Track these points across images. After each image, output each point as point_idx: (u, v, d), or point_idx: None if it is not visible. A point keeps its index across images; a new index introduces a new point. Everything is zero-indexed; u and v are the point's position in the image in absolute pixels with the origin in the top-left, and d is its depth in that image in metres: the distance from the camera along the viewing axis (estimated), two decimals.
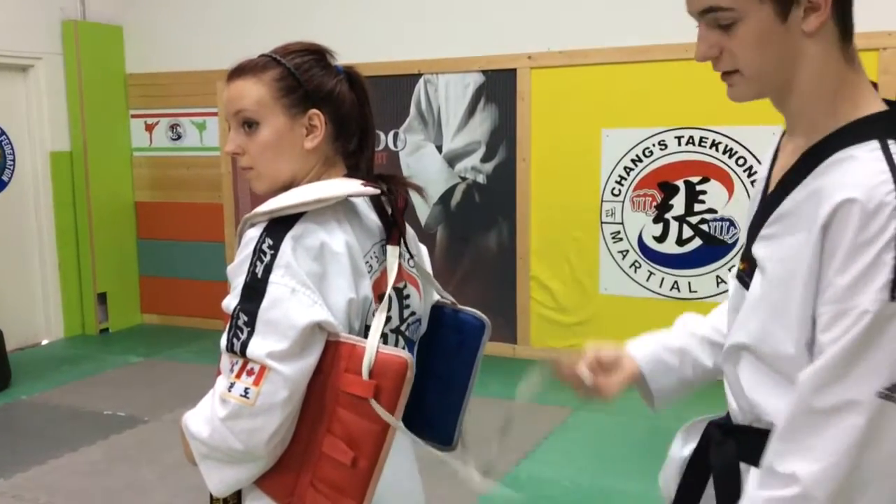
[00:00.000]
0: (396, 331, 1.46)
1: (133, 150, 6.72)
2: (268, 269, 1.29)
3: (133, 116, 6.67)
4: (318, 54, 1.45)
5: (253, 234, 1.34)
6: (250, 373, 1.28)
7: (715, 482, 1.31)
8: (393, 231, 1.45)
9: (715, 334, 1.48)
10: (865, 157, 1.08)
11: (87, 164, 6.34)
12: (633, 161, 5.17)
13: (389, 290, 1.41)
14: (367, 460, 1.29)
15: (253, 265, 1.31)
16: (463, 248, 5.72)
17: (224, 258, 6.40)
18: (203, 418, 1.34)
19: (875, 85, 1.20)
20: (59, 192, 6.30)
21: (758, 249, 1.20)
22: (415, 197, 1.56)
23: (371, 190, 1.39)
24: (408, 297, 1.49)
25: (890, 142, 1.09)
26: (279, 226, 1.32)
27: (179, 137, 6.54)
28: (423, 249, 1.68)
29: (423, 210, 5.75)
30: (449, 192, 5.73)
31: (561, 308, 5.50)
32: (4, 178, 6.06)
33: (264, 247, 1.31)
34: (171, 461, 3.89)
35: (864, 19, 4.79)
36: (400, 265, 1.45)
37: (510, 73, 5.41)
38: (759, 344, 1.19)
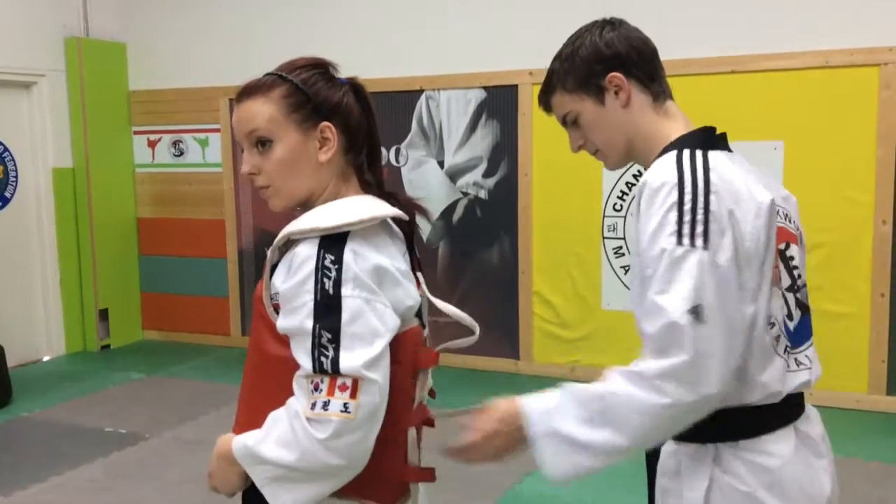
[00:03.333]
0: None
1: (135, 166, 6.73)
2: (337, 284, 1.31)
3: (135, 133, 6.69)
4: (322, 68, 1.47)
5: (308, 252, 1.34)
6: (343, 388, 1.29)
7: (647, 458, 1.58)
8: (413, 258, 1.52)
9: None
10: (662, 159, 1.47)
11: (89, 180, 6.36)
12: (634, 176, 5.17)
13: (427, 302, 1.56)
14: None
15: (320, 282, 1.32)
16: (465, 264, 5.72)
17: (226, 274, 6.40)
18: (279, 442, 1.32)
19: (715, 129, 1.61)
20: (62, 208, 6.31)
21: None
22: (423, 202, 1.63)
23: (403, 215, 1.47)
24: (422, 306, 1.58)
25: (684, 150, 1.46)
26: (332, 242, 1.34)
27: (182, 154, 6.56)
28: None
29: (425, 225, 5.75)
30: (451, 208, 5.74)
31: (563, 323, 5.48)
32: (7, 194, 6.07)
33: (327, 262, 1.32)
34: (172, 478, 3.87)
35: (865, 35, 4.82)
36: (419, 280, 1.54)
37: (511, 89, 5.42)
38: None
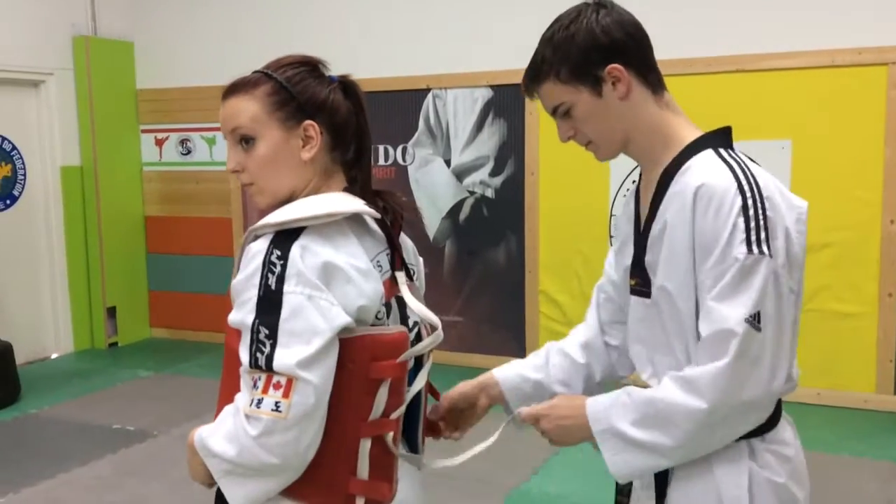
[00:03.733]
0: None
1: (143, 164, 6.75)
2: (280, 280, 1.30)
3: (143, 131, 6.71)
4: (309, 65, 1.46)
5: (259, 247, 1.34)
6: (277, 386, 1.28)
7: None
8: (395, 257, 1.47)
9: (577, 352, 1.82)
10: (705, 160, 1.45)
11: (97, 178, 6.38)
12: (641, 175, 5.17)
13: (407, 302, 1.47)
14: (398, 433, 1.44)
15: (264, 277, 1.31)
16: (471, 263, 5.72)
17: (233, 273, 6.41)
18: (225, 436, 1.33)
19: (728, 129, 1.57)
20: (70, 206, 6.33)
21: (648, 258, 1.50)
22: (424, 209, 1.59)
23: (372, 212, 1.42)
24: (406, 306, 1.50)
25: (719, 150, 1.47)
26: (284, 237, 1.33)
27: (189, 152, 6.58)
28: (421, 262, 1.69)
29: (431, 224, 5.75)
30: (457, 207, 5.74)
31: (570, 322, 5.47)
32: (15, 192, 6.10)
33: (273, 258, 1.31)
34: (179, 476, 3.89)
35: (873, 34, 4.81)
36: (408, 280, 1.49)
37: (518, 88, 5.39)
38: (670, 338, 1.49)
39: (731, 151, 1.47)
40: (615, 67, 1.46)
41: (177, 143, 6.61)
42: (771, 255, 1.35)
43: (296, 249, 1.31)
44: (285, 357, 1.27)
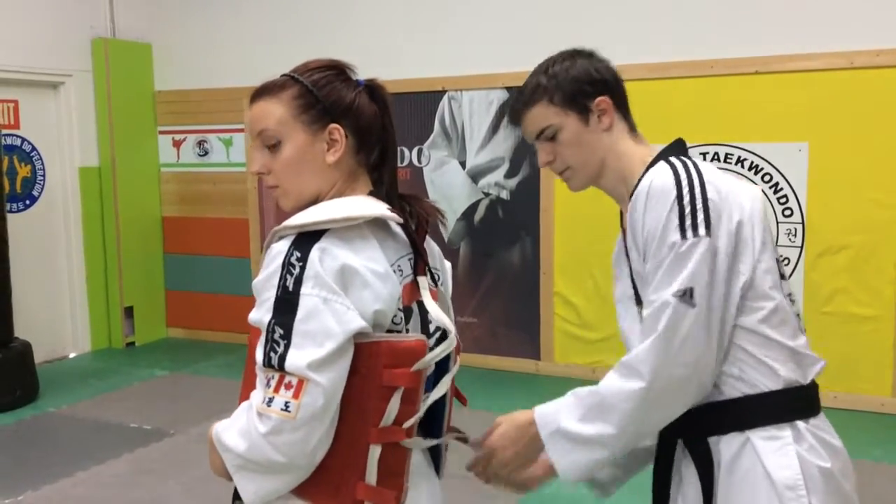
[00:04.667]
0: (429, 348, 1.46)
1: (160, 165, 6.80)
2: (298, 282, 1.31)
3: (161, 133, 6.76)
4: (336, 69, 1.47)
5: (280, 248, 1.35)
6: (288, 386, 1.29)
7: (693, 456, 1.53)
8: (418, 262, 1.47)
9: None
10: (655, 168, 1.53)
11: (115, 179, 6.43)
12: None
13: (430, 307, 1.47)
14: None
15: (283, 278, 1.32)
16: (486, 264, 5.73)
17: (249, 273, 6.44)
18: (238, 431, 1.35)
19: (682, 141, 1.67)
20: (88, 206, 6.39)
21: (642, 291, 1.53)
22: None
23: (394, 216, 1.42)
24: (427, 312, 1.49)
25: (671, 158, 1.53)
26: (306, 239, 1.34)
27: (206, 153, 6.62)
28: (448, 266, 1.68)
29: (446, 225, 5.76)
30: (472, 208, 5.75)
31: (585, 324, 5.48)
32: (35, 192, 6.15)
33: (293, 259, 1.32)
34: (196, 474, 3.91)
35: (890, 36, 4.74)
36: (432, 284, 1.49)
37: None
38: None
39: (682, 157, 1.54)
40: (604, 100, 1.60)
41: (194, 144, 6.65)
42: (709, 234, 1.41)
43: (315, 252, 1.32)
44: (297, 358, 1.29)
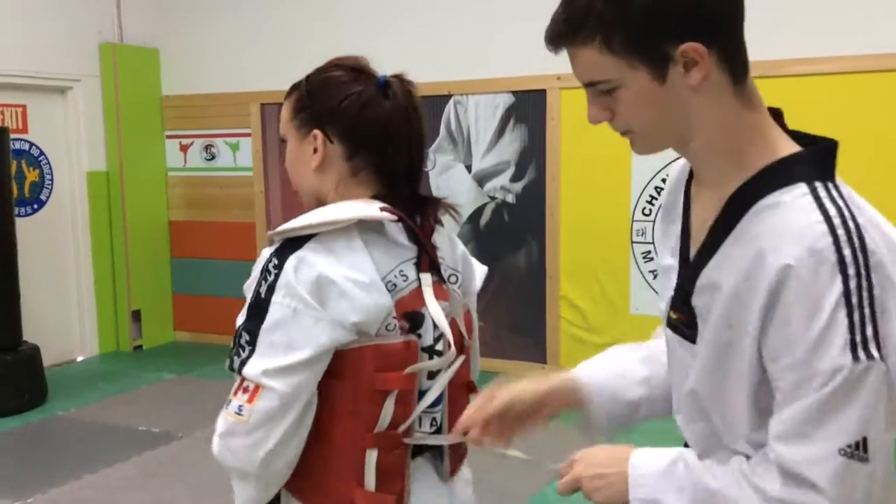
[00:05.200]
0: (429, 349, 1.43)
1: (168, 170, 6.82)
2: (270, 289, 1.31)
3: (168, 137, 6.78)
4: (345, 68, 1.44)
5: (264, 254, 1.36)
6: (245, 390, 1.31)
7: None
8: (423, 257, 1.42)
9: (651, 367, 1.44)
10: (796, 206, 1.05)
11: (123, 183, 6.46)
12: (663, 181, 5.17)
13: (430, 309, 1.41)
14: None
15: (259, 284, 1.33)
16: (492, 268, 5.66)
17: None
18: (215, 436, 1.38)
19: (778, 112, 1.16)
20: (96, 210, 6.41)
21: (697, 301, 1.15)
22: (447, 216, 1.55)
23: (385, 216, 1.36)
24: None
25: (817, 184, 1.06)
26: (287, 246, 1.34)
27: (213, 158, 6.64)
28: (479, 270, 1.63)
29: (461, 218, 5.77)
30: (478, 212, 5.76)
31: (591, 328, 5.49)
32: (43, 197, 6.18)
33: (270, 266, 1.33)
34: (204, 478, 3.93)
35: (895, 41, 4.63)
36: (437, 284, 1.43)
37: (539, 94, 5.43)
38: (710, 402, 1.18)
39: (831, 189, 1.07)
40: (694, 47, 1.04)
41: (201, 148, 6.68)
42: (882, 357, 1.00)
43: (291, 261, 1.31)
44: (255, 365, 1.30)
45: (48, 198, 6.22)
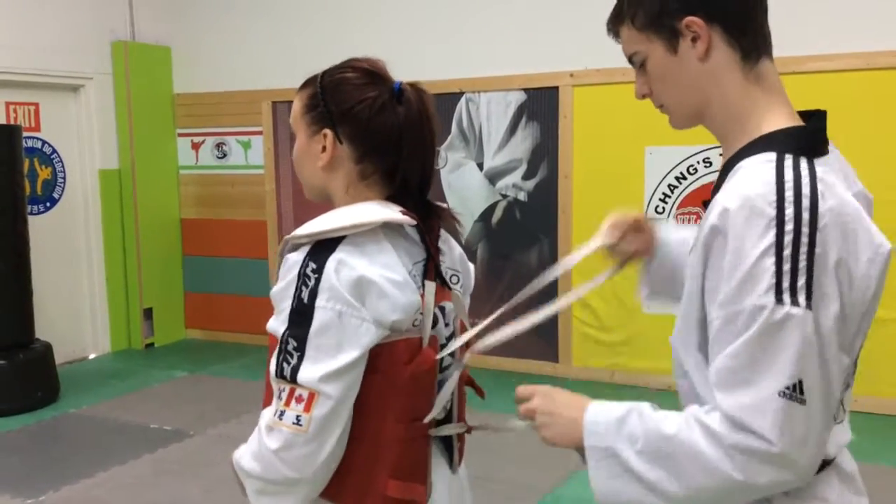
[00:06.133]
0: (442, 348, 1.48)
1: (179, 167, 6.84)
2: (313, 294, 1.31)
3: (180, 135, 6.80)
4: (360, 71, 1.44)
5: (296, 259, 1.35)
6: (300, 399, 1.30)
7: None
8: (429, 264, 1.45)
9: None
10: (757, 168, 1.17)
11: (134, 181, 6.47)
12: (677, 179, 5.14)
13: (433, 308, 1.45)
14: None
15: (298, 290, 1.33)
16: (503, 266, 5.72)
17: (267, 274, 6.47)
18: (252, 455, 1.36)
19: (820, 113, 1.32)
20: (108, 208, 6.43)
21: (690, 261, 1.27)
22: (461, 215, 1.58)
23: (406, 220, 1.39)
24: (446, 315, 1.51)
25: (787, 155, 1.17)
26: (321, 249, 1.34)
27: (225, 156, 6.65)
28: (471, 268, 1.68)
29: (464, 227, 5.76)
30: (490, 210, 5.74)
31: (603, 327, 5.46)
32: (55, 195, 6.20)
33: (308, 271, 1.32)
34: (216, 475, 3.93)
35: None
36: (441, 286, 1.47)
37: (552, 91, 5.41)
38: (685, 357, 1.27)
39: (801, 160, 1.17)
40: (694, 21, 1.23)
41: (213, 146, 6.68)
42: (809, 306, 1.09)
43: (331, 263, 1.32)
44: (310, 371, 1.29)
45: (60, 196, 6.24)
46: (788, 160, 1.16)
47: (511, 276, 5.71)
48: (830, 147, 1.29)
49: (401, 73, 1.51)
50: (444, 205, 1.56)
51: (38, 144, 6.06)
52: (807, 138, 1.23)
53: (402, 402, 1.38)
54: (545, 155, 5.51)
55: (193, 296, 6.91)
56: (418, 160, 1.46)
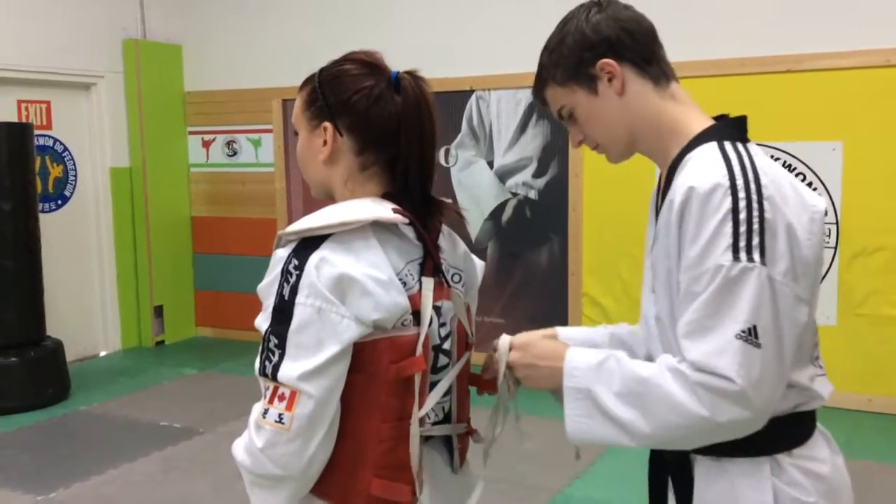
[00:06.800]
0: (437, 348, 1.45)
1: (190, 165, 6.85)
2: (294, 291, 1.30)
3: (190, 133, 6.81)
4: (358, 62, 1.43)
5: (281, 255, 1.35)
6: (282, 398, 1.30)
7: (672, 476, 1.48)
8: (427, 261, 1.42)
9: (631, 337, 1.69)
10: (703, 154, 1.34)
11: (145, 179, 6.49)
12: None
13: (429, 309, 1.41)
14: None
15: (281, 286, 1.32)
16: (514, 264, 5.70)
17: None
18: (244, 447, 1.36)
19: (736, 119, 1.46)
20: (119, 206, 6.45)
21: (655, 253, 1.43)
22: (466, 212, 1.55)
23: (398, 218, 1.37)
24: (443, 314, 1.47)
25: (725, 142, 1.35)
26: (306, 246, 1.33)
27: (235, 154, 6.66)
28: (479, 265, 1.65)
29: (474, 225, 5.75)
30: (500, 208, 5.73)
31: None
32: (67, 192, 6.22)
33: (290, 267, 1.32)
34: (225, 473, 3.93)
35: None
36: (440, 284, 1.44)
37: None
38: (665, 317, 1.40)
39: (737, 144, 1.35)
40: (606, 63, 1.42)
41: (223, 144, 6.69)
42: (763, 262, 1.24)
43: (313, 260, 1.31)
44: (290, 369, 1.29)
45: (72, 194, 6.26)
46: (727, 144, 1.34)
47: (521, 275, 5.69)
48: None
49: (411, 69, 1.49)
50: (448, 200, 1.53)
51: (50, 142, 6.08)
52: (735, 129, 1.41)
53: (387, 401, 1.36)
54: (555, 153, 5.49)
55: (204, 294, 6.93)
56: (417, 149, 1.42)
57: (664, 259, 1.37)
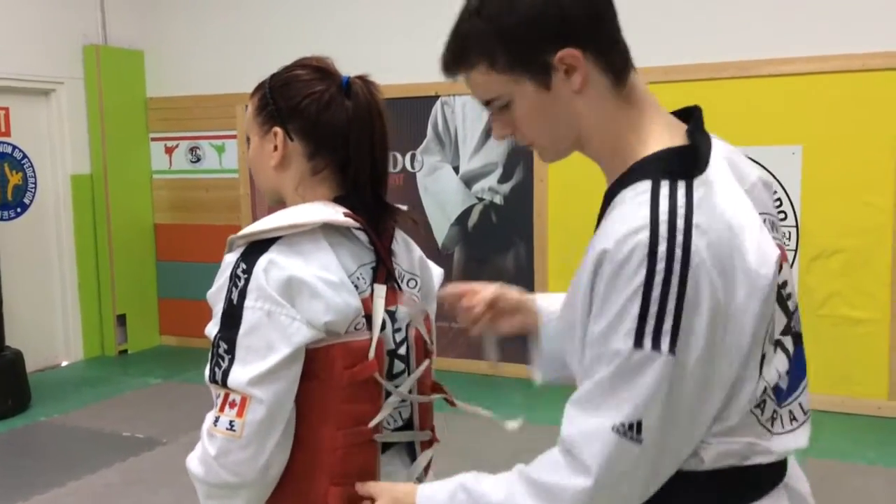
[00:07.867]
0: (392, 353, 1.43)
1: (153, 172, 6.77)
2: (242, 295, 1.29)
3: (153, 139, 6.74)
4: (309, 67, 1.44)
5: (229, 260, 1.34)
6: (233, 404, 1.29)
7: None
8: (379, 268, 1.42)
9: None
10: (634, 201, 1.10)
11: (107, 186, 6.40)
12: None
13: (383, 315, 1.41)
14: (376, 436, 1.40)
15: (229, 291, 1.32)
16: (480, 270, 5.71)
17: None
18: (198, 458, 1.35)
19: (693, 109, 1.24)
20: (80, 214, 6.36)
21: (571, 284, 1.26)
22: (432, 216, 1.54)
23: (349, 221, 1.36)
24: (397, 319, 1.46)
25: (663, 182, 1.10)
26: (254, 250, 1.32)
27: (199, 160, 6.60)
28: (437, 272, 1.65)
29: (440, 231, 5.75)
30: (466, 213, 5.74)
31: None
32: (26, 200, 6.12)
33: (238, 272, 1.31)
34: (188, 484, 3.85)
35: (884, 39, 4.74)
36: (393, 289, 1.43)
37: None
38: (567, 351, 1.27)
39: (677, 186, 1.10)
40: (570, 53, 1.11)
41: (186, 150, 6.63)
42: (672, 351, 1.05)
43: (261, 263, 1.30)
44: (240, 374, 1.28)
45: (31, 201, 6.16)
46: (664, 188, 1.09)
47: (487, 279, 5.67)
48: (714, 141, 1.22)
49: (375, 76, 1.50)
50: (403, 207, 1.53)
51: (9, 149, 5.98)
52: (682, 159, 1.14)
53: (341, 408, 1.35)
54: (521, 159, 5.52)
55: (167, 301, 6.85)
56: (369, 155, 1.42)
57: (573, 306, 1.21)
